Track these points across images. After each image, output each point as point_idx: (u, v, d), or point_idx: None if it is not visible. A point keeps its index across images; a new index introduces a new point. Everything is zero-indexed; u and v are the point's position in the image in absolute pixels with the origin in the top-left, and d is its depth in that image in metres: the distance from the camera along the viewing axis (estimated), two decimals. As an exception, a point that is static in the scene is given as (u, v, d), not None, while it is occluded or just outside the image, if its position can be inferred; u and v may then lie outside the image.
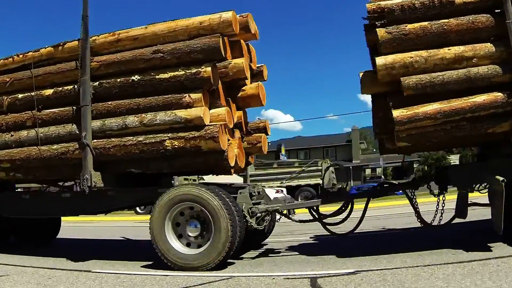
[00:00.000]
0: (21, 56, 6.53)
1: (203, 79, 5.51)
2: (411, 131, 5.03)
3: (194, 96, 5.54)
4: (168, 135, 5.58)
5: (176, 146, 5.55)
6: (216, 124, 5.49)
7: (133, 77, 5.80)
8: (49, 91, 6.31)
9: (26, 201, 6.82)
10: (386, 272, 4.37)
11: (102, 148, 5.86)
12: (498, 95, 4.73)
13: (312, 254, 5.90)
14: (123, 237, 9.93)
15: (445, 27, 4.90)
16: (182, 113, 5.53)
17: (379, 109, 5.42)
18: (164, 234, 5.40)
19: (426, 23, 4.97)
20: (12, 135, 6.47)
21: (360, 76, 5.49)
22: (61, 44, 6.29)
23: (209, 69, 5.49)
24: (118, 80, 5.89)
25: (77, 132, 6.02)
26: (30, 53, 6.48)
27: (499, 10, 4.78)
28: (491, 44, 4.82)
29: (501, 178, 4.56)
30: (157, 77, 5.69)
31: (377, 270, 4.49)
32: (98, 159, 5.88)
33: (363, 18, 5.50)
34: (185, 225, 5.50)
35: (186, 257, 5.31)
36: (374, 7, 5.32)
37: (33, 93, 6.36)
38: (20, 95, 6.49)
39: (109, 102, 5.94)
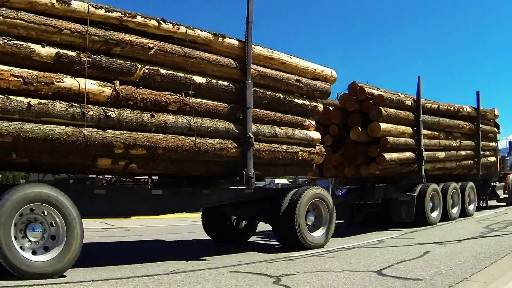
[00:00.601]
0: (170, 25, 5.73)
1: (318, 111, 7.68)
2: (384, 166, 9.38)
3: (312, 122, 7.54)
4: (300, 148, 7.22)
5: (304, 158, 7.29)
6: (322, 145, 7.71)
7: (279, 95, 6.95)
8: (201, 79, 6.06)
9: (101, 198, 5.64)
10: None
11: (257, 151, 6.54)
12: (411, 154, 9.99)
13: None
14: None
15: (399, 115, 9.72)
16: (310, 134, 7.37)
17: (362, 149, 9.39)
18: (305, 221, 6.97)
19: (395, 110, 9.59)
20: (153, 116, 5.55)
21: (360, 129, 9.25)
22: (220, 35, 6.25)
23: (321, 106, 7.71)
24: (268, 93, 6.82)
25: (236, 130, 6.34)
26: (183, 28, 5.86)
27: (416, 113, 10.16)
28: (410, 128, 10.04)
29: (413, 194, 9.72)
30: (294, 100, 7.20)
31: None
32: (248, 159, 6.49)
33: (351, 94, 9.43)
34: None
35: (316, 239, 7.15)
36: (369, 91, 9.38)
37: (181, 74, 5.84)
38: (163, 70, 5.70)
39: (257, 110, 6.68)
